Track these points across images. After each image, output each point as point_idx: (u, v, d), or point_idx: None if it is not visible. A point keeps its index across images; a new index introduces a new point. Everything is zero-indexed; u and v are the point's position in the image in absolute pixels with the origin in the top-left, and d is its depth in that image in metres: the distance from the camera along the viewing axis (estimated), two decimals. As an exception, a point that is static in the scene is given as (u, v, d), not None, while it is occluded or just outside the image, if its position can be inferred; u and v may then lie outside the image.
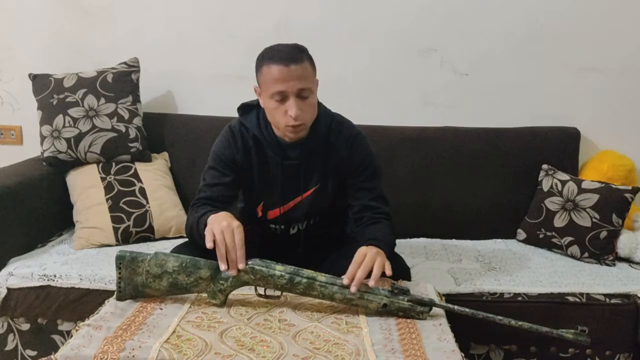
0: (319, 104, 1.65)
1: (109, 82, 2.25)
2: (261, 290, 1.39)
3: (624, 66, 2.36)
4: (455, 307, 1.37)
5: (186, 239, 1.70)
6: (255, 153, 1.64)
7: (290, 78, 1.48)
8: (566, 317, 1.78)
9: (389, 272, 1.39)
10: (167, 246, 1.93)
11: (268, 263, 1.37)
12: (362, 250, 1.42)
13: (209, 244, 1.36)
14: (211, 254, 1.40)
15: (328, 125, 1.65)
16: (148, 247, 2.02)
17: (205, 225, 1.43)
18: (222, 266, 1.35)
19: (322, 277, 1.36)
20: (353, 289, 1.34)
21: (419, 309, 1.36)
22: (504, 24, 2.36)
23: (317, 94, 1.61)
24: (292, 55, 1.49)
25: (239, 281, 1.37)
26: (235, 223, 1.38)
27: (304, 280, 1.35)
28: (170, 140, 2.37)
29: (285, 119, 1.52)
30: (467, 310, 1.36)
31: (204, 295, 1.40)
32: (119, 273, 1.38)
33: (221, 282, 1.37)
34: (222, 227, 1.36)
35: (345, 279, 1.35)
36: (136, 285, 1.38)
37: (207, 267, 1.37)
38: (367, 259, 1.38)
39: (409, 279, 1.62)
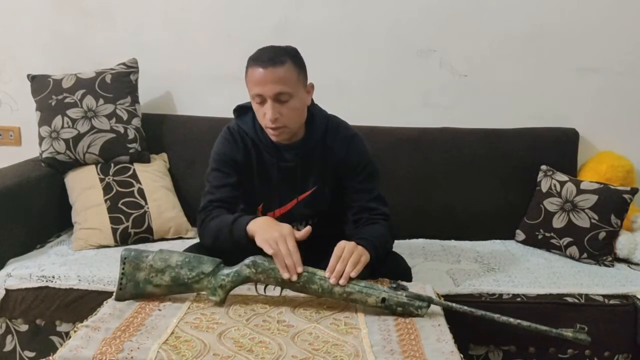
0: (315, 106, 1.65)
1: (107, 83, 2.25)
2: (261, 289, 1.40)
3: (623, 67, 2.36)
4: (454, 304, 1.37)
5: (183, 240, 1.69)
6: (254, 154, 1.64)
7: (267, 81, 1.47)
8: (565, 318, 1.78)
9: (359, 266, 1.39)
10: (165, 247, 1.92)
11: (269, 258, 1.38)
12: (340, 244, 1.43)
13: (270, 252, 1.37)
14: (222, 257, 1.41)
15: (324, 127, 1.64)
16: (147, 248, 2.00)
17: (245, 232, 1.45)
18: (285, 275, 1.36)
19: (321, 272, 1.38)
20: (332, 280, 1.36)
21: (417, 303, 1.36)
22: (502, 25, 2.37)
23: (309, 97, 1.60)
24: (273, 58, 1.48)
25: (240, 276, 1.37)
26: (286, 230, 1.40)
27: (304, 273, 1.36)
28: (169, 141, 2.37)
29: (264, 120, 1.53)
30: (466, 307, 1.36)
31: (203, 294, 1.40)
32: (123, 268, 1.38)
33: (222, 277, 1.37)
34: (276, 238, 1.38)
35: (327, 272, 1.37)
36: (138, 281, 1.38)
37: (210, 262, 1.38)
38: (346, 252, 1.40)
39: (409, 279, 1.62)
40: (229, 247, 1.51)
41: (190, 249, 1.61)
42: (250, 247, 1.43)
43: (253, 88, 1.50)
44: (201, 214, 1.62)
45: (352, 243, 1.44)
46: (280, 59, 1.48)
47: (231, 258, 1.41)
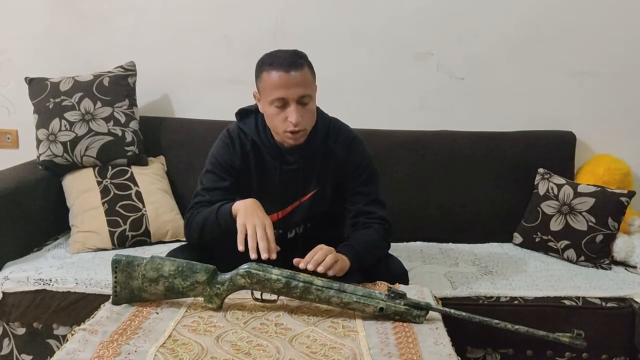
0: (317, 109, 1.66)
1: (105, 86, 2.24)
2: (258, 294, 1.40)
3: (620, 69, 2.37)
4: (452, 310, 1.37)
5: (181, 243, 1.69)
6: (253, 158, 1.65)
7: (290, 84, 1.49)
8: (562, 321, 1.78)
9: (331, 272, 1.42)
10: (163, 250, 1.92)
11: (265, 267, 1.37)
12: (319, 245, 1.47)
13: (241, 246, 1.42)
14: (207, 259, 1.41)
15: (326, 130, 1.66)
16: (144, 251, 2.01)
17: (231, 212, 1.49)
18: (252, 255, 1.40)
19: (318, 281, 1.36)
20: (302, 265, 1.41)
21: (415, 312, 1.36)
22: (500, 27, 2.37)
23: (316, 99, 1.62)
24: (293, 61, 1.50)
25: (236, 285, 1.36)
26: (268, 221, 1.45)
27: (301, 284, 1.35)
28: (166, 144, 2.37)
29: (285, 125, 1.53)
30: (464, 314, 1.36)
31: (200, 299, 1.40)
32: (115, 277, 1.38)
33: (217, 286, 1.37)
34: (256, 224, 1.43)
35: (301, 264, 1.42)
36: (132, 289, 1.38)
37: (204, 271, 1.36)
38: (319, 254, 1.43)
39: (406, 282, 1.62)
40: (215, 234, 1.53)
41: (175, 252, 1.61)
42: (234, 229, 1.45)
43: (274, 92, 1.50)
44: (188, 213, 1.63)
45: (330, 248, 1.46)
46: (299, 62, 1.51)
47: (222, 264, 1.40)
